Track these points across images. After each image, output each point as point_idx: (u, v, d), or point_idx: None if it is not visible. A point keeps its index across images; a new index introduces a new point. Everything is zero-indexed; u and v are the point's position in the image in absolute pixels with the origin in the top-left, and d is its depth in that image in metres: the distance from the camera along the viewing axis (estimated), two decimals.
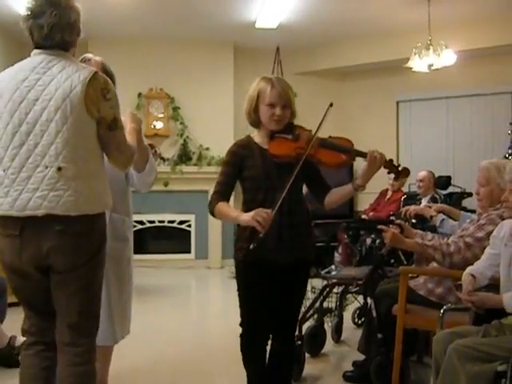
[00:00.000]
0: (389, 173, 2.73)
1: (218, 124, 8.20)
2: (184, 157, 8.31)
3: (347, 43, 8.23)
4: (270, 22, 7.29)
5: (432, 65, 6.67)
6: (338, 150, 2.62)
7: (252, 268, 2.66)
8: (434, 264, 3.32)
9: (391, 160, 2.65)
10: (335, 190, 2.71)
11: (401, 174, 2.67)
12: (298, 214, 2.66)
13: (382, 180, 6.77)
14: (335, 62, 8.62)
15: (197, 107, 8.21)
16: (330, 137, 2.68)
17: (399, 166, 2.67)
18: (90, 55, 2.88)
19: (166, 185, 7.99)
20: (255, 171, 2.63)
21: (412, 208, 4.01)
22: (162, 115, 8.33)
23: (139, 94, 8.21)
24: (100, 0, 4.54)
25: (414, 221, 4.10)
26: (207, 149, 8.31)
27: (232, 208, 2.67)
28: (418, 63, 6.70)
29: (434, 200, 5.82)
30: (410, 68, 6.82)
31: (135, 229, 8.12)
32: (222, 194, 2.65)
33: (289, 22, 7.32)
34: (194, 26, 7.54)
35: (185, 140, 8.33)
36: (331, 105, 2.56)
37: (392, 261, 4.51)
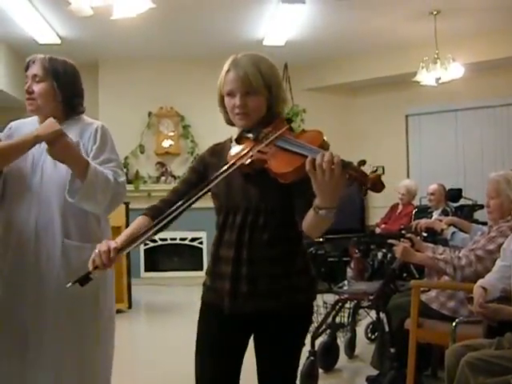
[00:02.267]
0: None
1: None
2: None
3: (355, 58, 8.28)
4: (278, 39, 7.36)
5: (440, 78, 6.70)
6: (296, 153, 1.73)
7: (208, 313, 2.02)
8: (446, 277, 3.32)
9: (351, 164, 1.61)
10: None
11: (369, 184, 1.61)
12: (267, 245, 1.88)
13: (393, 194, 6.79)
14: (343, 78, 8.66)
15: (207, 125, 8.24)
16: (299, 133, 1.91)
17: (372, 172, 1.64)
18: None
19: None
20: (216, 186, 1.88)
21: (423, 221, 4.01)
22: (172, 133, 8.40)
23: (149, 113, 8.29)
24: (109, 21, 4.61)
25: (424, 234, 4.09)
26: None
27: (131, 229, 1.93)
28: (426, 77, 6.73)
29: (445, 213, 5.81)
30: (418, 82, 6.85)
31: (147, 246, 8.20)
32: (153, 206, 2.01)
33: (296, 39, 7.38)
34: (203, 44, 7.62)
35: (195, 158, 8.37)
36: None
37: (404, 275, 4.50)
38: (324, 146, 1.79)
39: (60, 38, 7.00)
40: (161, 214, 1.85)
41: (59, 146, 2.11)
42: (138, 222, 1.95)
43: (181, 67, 8.31)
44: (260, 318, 1.90)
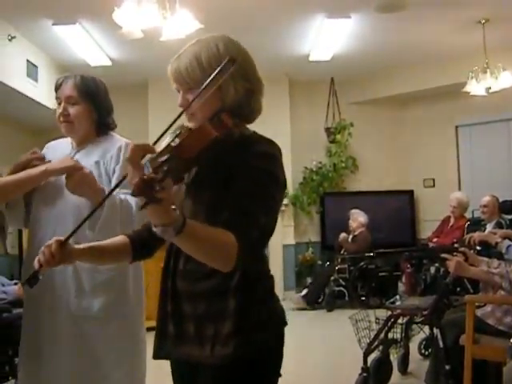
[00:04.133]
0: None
1: None
2: None
3: (402, 70, 8.21)
4: (324, 54, 7.37)
5: (490, 88, 6.58)
6: None
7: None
8: (502, 292, 3.24)
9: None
10: None
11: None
12: (193, 278, 1.54)
13: (445, 207, 6.68)
14: (391, 90, 8.59)
15: None
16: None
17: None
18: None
19: None
20: None
21: (476, 235, 3.95)
22: None
23: None
24: (157, 43, 4.72)
25: (478, 248, 4.02)
26: None
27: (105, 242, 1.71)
28: (476, 87, 6.61)
29: (499, 225, 5.67)
30: (468, 92, 6.74)
31: None
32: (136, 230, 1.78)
33: (343, 53, 7.38)
34: None
35: None
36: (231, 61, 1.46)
37: (457, 289, 4.42)
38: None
39: (111, 59, 7.19)
40: (139, 236, 1.68)
41: (74, 180, 2.12)
42: (116, 238, 1.70)
43: None
44: (191, 367, 1.57)
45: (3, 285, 4.23)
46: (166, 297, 1.58)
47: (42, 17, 5.86)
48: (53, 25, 5.96)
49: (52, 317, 2.27)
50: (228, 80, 1.48)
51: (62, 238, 1.54)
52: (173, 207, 1.26)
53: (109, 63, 7.22)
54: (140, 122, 7.89)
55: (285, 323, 1.65)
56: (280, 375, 1.60)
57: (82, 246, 1.62)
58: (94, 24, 6.05)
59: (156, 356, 1.61)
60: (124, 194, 2.19)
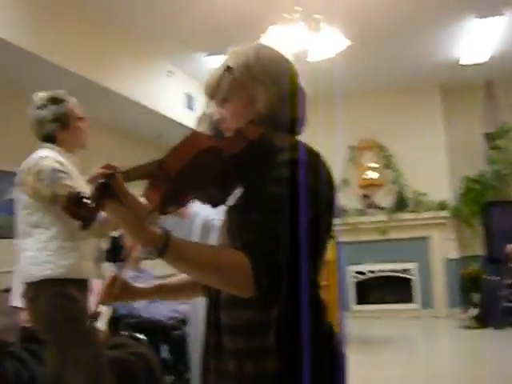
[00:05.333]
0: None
1: (432, 168, 8.02)
2: (400, 204, 8.22)
3: None
4: (478, 56, 7.01)
5: None
6: None
7: None
8: None
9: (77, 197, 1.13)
10: None
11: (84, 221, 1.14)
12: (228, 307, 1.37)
13: None
14: None
15: (408, 153, 8.10)
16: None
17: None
18: None
19: (383, 233, 7.96)
20: None
21: None
22: (375, 165, 8.38)
23: (350, 147, 8.37)
24: (303, 62, 4.78)
25: None
26: (424, 194, 8.14)
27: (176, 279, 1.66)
28: None
29: None
30: None
31: (358, 280, 8.19)
32: None
33: (499, 53, 6.96)
34: (399, 71, 7.55)
35: (400, 187, 8.26)
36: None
37: None
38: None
39: None
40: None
41: None
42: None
43: (378, 99, 8.28)
44: None
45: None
46: (209, 328, 1.42)
47: (195, 51, 6.26)
48: (204, 57, 6.37)
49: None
50: (258, 88, 1.40)
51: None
52: (158, 227, 1.16)
53: None
54: None
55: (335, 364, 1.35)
56: None
57: (145, 285, 1.62)
58: None
59: None
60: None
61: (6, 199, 4.57)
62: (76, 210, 1.11)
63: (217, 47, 6.11)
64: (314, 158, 1.34)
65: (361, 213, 8.31)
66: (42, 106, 2.81)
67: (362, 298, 8.27)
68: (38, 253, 2.66)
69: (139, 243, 1.16)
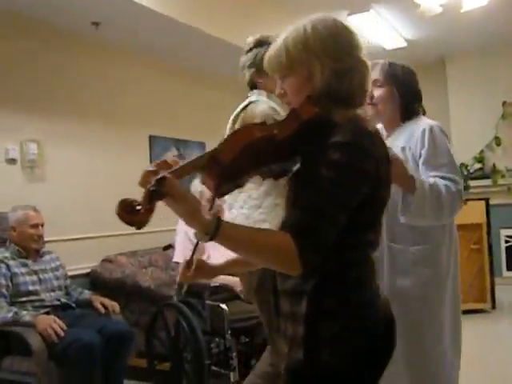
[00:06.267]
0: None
1: None
2: None
3: None
4: None
5: None
6: None
7: None
8: None
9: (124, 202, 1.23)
10: None
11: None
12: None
13: None
14: None
15: None
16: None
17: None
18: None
19: None
20: None
21: None
22: None
23: (503, 103, 7.83)
24: (455, 16, 4.53)
25: None
26: None
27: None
28: None
29: None
30: None
31: (508, 244, 7.76)
32: None
33: None
34: None
35: None
36: None
37: None
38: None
39: (406, 41, 7.14)
40: None
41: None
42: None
43: None
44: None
45: None
46: (274, 294, 1.57)
47: (338, 9, 6.15)
48: (348, 15, 6.21)
49: None
50: (314, 62, 1.41)
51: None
52: (209, 212, 1.27)
53: (404, 44, 7.19)
54: (440, 101, 7.69)
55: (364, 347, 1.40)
56: None
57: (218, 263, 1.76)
58: (388, 9, 6.09)
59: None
60: (434, 178, 2.20)
61: None
62: (131, 218, 1.21)
63: (359, 6, 5.97)
64: (367, 136, 1.36)
65: None
66: (246, 52, 2.63)
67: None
68: (251, 211, 2.43)
69: (194, 229, 1.26)
